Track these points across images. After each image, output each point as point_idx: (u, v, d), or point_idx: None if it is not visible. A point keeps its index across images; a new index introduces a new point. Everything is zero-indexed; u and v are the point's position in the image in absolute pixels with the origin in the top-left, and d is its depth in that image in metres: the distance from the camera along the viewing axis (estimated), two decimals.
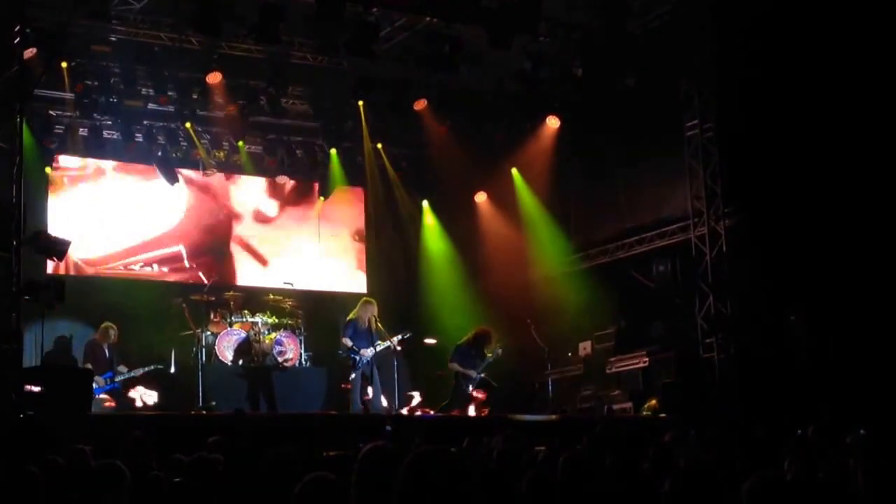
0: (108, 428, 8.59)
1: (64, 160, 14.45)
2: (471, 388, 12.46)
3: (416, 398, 13.13)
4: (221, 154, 15.15)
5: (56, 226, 13.38)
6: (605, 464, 5.76)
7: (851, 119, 10.97)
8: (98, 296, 13.82)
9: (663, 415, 11.65)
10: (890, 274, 10.67)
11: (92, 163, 14.67)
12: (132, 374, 12.33)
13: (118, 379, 12.11)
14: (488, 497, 4.47)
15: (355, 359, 12.24)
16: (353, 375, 12.32)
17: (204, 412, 11.95)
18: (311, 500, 3.01)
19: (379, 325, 12.43)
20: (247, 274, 15.56)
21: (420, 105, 14.55)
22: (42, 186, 13.96)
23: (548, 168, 15.28)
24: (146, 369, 12.41)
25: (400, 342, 12.43)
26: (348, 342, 12.28)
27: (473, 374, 12.43)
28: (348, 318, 12.47)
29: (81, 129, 14.09)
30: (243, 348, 13.24)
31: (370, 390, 12.30)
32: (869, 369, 10.51)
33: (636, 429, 9.55)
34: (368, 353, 12.22)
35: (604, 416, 12.37)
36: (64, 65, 12.67)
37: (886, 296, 10.63)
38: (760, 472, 3.46)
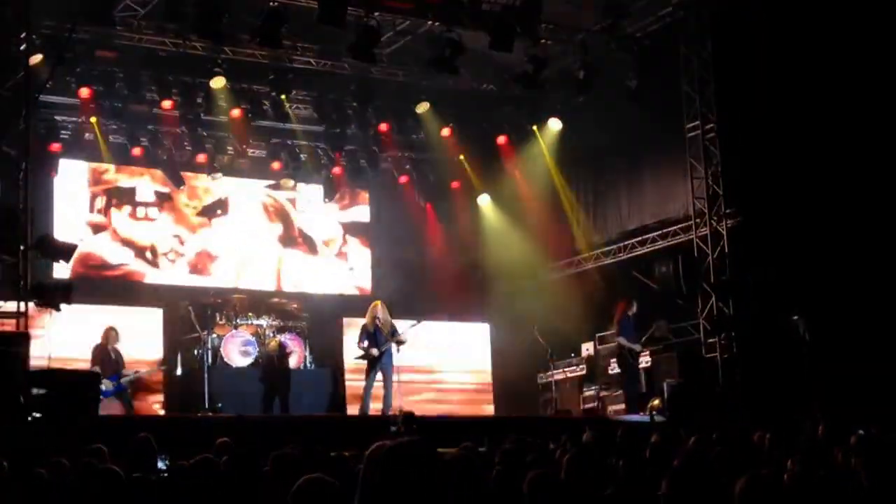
0: (114, 430, 8.66)
1: None
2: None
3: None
4: (226, 158, 15.24)
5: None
6: (607, 464, 5.82)
7: (852, 119, 11.01)
8: (105, 299, 13.90)
9: (666, 416, 11.69)
10: (892, 274, 10.71)
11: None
12: (138, 374, 12.40)
13: (125, 381, 12.17)
14: (494, 497, 4.53)
15: (368, 362, 12.36)
16: (368, 378, 12.43)
17: (210, 414, 12.02)
18: (306, 501, 3.04)
19: (386, 325, 12.50)
20: (251, 276, 15.64)
21: (423, 108, 14.63)
22: (48, 191, 14.05)
23: (550, 170, 15.36)
24: (152, 370, 12.48)
25: (410, 330, 12.53)
26: (362, 345, 12.44)
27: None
28: (363, 326, 12.62)
29: (87, 134, 14.18)
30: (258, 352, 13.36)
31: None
32: (871, 369, 10.54)
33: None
34: (374, 352, 12.31)
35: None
36: (69, 70, 12.76)
37: (888, 296, 10.66)
38: (753, 471, 3.51)
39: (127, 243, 14.86)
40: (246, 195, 15.93)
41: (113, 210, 14.88)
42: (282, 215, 16.15)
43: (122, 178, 15.02)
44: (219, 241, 15.55)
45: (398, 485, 2.53)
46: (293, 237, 16.19)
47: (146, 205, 15.10)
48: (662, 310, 13.44)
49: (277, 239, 16.06)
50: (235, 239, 15.69)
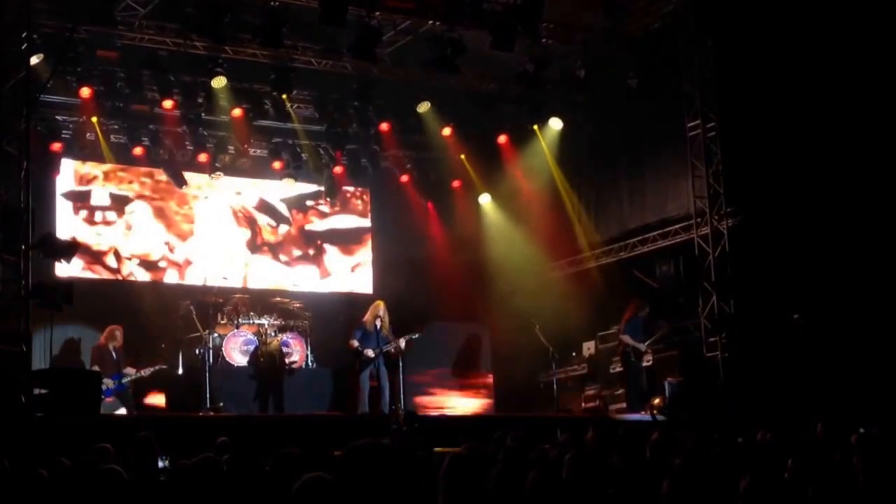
0: (116, 429, 8.67)
1: None
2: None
3: None
4: (227, 158, 15.25)
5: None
6: (610, 463, 5.82)
7: (854, 117, 11.01)
8: (107, 298, 13.91)
9: (667, 415, 11.69)
10: (892, 272, 10.70)
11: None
12: (140, 374, 12.43)
13: (126, 381, 12.20)
14: (496, 496, 4.52)
15: (360, 360, 12.34)
16: (361, 376, 12.42)
17: (211, 413, 12.04)
18: (308, 500, 3.06)
19: (385, 326, 12.51)
20: (254, 276, 15.64)
21: (423, 107, 14.63)
22: (49, 190, 14.06)
23: (551, 169, 15.37)
24: (153, 369, 12.52)
25: (408, 343, 12.51)
26: (354, 343, 12.39)
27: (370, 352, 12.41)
28: (360, 321, 12.60)
29: (88, 134, 14.19)
30: (256, 351, 13.34)
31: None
32: (872, 368, 10.55)
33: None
34: (370, 353, 12.30)
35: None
36: (70, 70, 12.76)
37: (889, 294, 10.66)
38: (756, 471, 3.51)
39: (113, 251, 14.86)
40: (248, 193, 15.93)
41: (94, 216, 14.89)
42: (284, 214, 16.15)
43: (111, 186, 14.99)
44: (221, 240, 15.54)
45: (362, 482, 2.55)
46: (294, 236, 16.20)
47: (130, 212, 15.08)
48: (663, 309, 13.45)
49: (280, 238, 16.06)
50: (237, 237, 15.69)
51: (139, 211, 15.15)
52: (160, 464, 7.01)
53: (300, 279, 16.00)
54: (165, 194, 15.28)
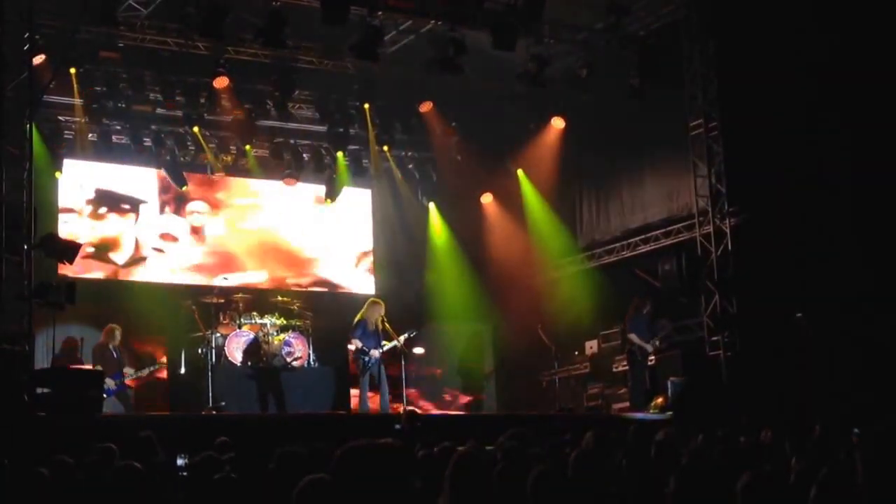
0: (118, 428, 8.67)
1: None
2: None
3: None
4: (229, 158, 15.25)
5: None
6: (613, 461, 5.82)
7: (855, 116, 11.00)
8: (108, 298, 13.93)
9: (669, 412, 11.69)
10: (894, 270, 10.70)
11: None
12: (139, 373, 12.43)
13: (127, 380, 12.21)
14: (497, 494, 4.52)
15: (364, 360, 12.33)
16: (366, 374, 12.43)
17: (213, 412, 12.05)
18: (310, 501, 3.05)
19: (386, 325, 12.52)
20: (255, 276, 15.66)
21: (425, 107, 14.63)
22: (52, 191, 14.08)
23: (553, 169, 15.37)
24: (153, 368, 12.51)
25: (406, 341, 12.51)
26: (357, 343, 12.38)
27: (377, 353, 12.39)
28: (356, 320, 12.55)
29: (90, 134, 14.20)
30: (252, 349, 13.31)
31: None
32: (874, 366, 10.54)
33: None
34: (376, 353, 12.30)
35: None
36: (72, 71, 12.76)
37: (891, 292, 10.65)
38: (757, 468, 3.50)
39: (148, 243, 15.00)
40: (249, 193, 15.96)
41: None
42: (285, 215, 16.16)
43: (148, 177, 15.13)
44: (222, 240, 15.58)
45: (358, 483, 2.54)
46: (296, 236, 16.21)
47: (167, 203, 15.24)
48: (666, 308, 13.45)
49: (281, 238, 16.07)
50: (237, 237, 15.72)
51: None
52: (179, 461, 7.00)
53: (302, 279, 16.01)
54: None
